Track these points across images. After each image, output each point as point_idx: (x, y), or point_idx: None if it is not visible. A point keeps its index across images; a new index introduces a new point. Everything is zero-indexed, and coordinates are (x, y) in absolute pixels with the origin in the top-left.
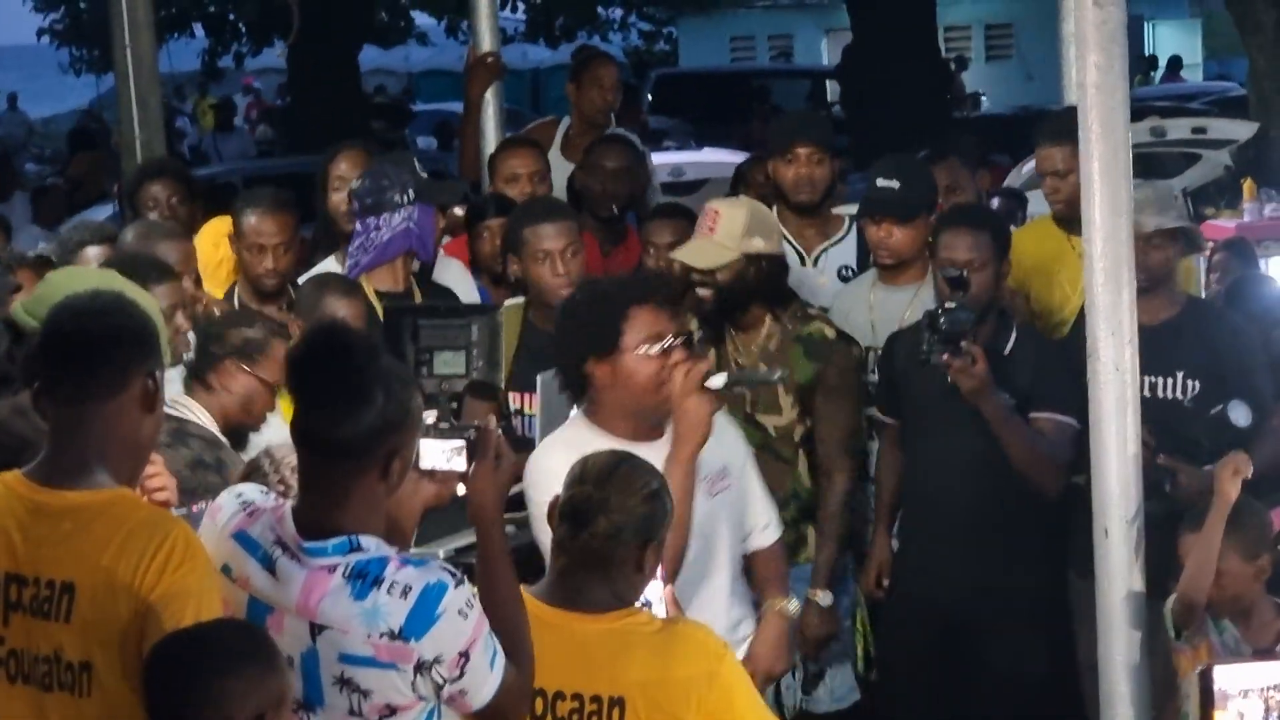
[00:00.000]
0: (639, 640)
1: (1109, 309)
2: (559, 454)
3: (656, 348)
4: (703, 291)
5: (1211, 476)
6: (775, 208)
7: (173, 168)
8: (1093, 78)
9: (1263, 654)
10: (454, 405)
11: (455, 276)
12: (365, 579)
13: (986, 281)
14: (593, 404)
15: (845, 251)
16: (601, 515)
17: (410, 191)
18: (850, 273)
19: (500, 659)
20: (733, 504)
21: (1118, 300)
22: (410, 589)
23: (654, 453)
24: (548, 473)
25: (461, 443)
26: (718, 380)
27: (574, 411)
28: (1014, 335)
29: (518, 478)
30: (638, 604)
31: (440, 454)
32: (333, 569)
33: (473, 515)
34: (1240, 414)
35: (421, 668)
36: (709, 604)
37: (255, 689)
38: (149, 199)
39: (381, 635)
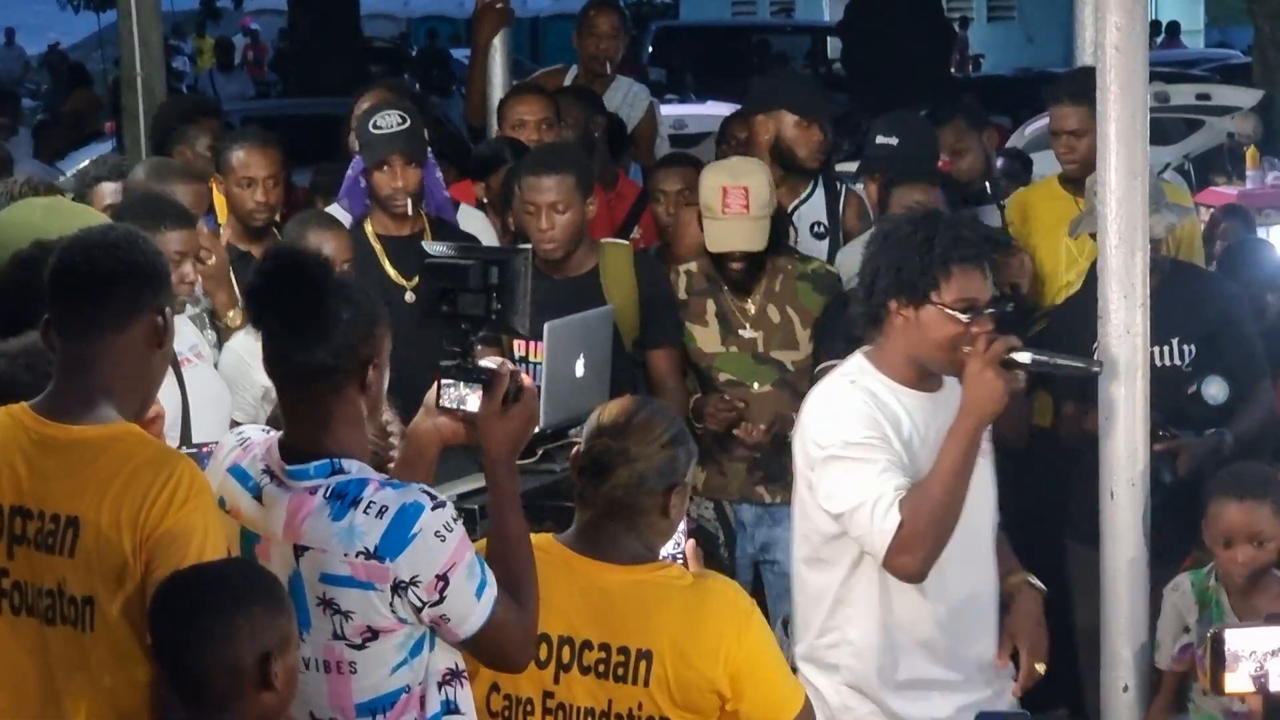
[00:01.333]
0: (669, 594)
1: (1121, 271)
2: (848, 394)
3: (967, 315)
4: (737, 265)
5: (1216, 439)
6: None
7: (208, 108)
8: (1113, 39)
9: (1274, 618)
10: (475, 346)
11: (477, 226)
12: (344, 499)
13: None
14: (880, 342)
15: (815, 208)
16: (622, 465)
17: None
18: (823, 229)
19: (491, 591)
20: (990, 471)
21: (1130, 263)
22: (387, 509)
23: (929, 403)
24: (834, 424)
25: (477, 384)
26: (1024, 355)
27: (859, 354)
28: None
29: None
30: (665, 555)
31: (457, 394)
32: (314, 490)
33: (484, 455)
34: (1215, 389)
35: (399, 588)
36: (983, 569)
37: (262, 628)
38: (192, 140)
39: (358, 554)
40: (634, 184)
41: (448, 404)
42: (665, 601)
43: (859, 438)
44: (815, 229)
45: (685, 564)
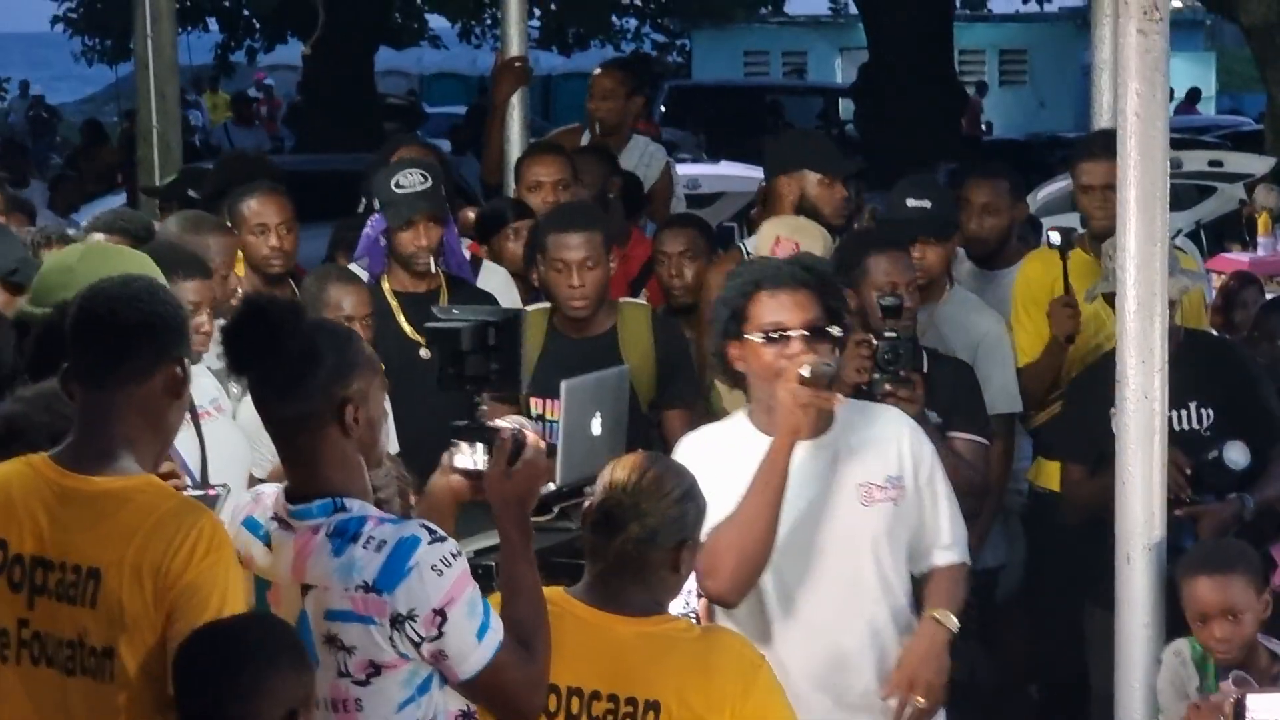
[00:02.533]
0: (678, 646)
1: (1139, 336)
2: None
3: (771, 336)
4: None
5: (1237, 506)
6: None
7: (269, 170)
8: (1134, 105)
9: None
10: (482, 406)
11: (498, 284)
12: (344, 535)
13: (917, 300)
14: (746, 390)
15: None
16: (634, 521)
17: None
18: None
19: (494, 636)
20: (899, 517)
21: (1149, 328)
22: (385, 543)
23: (800, 452)
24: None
25: (485, 443)
26: (808, 369)
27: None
28: (925, 355)
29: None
30: (677, 611)
31: (468, 453)
32: (317, 529)
33: (493, 511)
34: (1237, 454)
35: (397, 622)
36: (856, 627)
37: (289, 686)
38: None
39: (357, 588)
40: (647, 243)
41: (459, 464)
42: (673, 653)
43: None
44: None
45: (698, 620)
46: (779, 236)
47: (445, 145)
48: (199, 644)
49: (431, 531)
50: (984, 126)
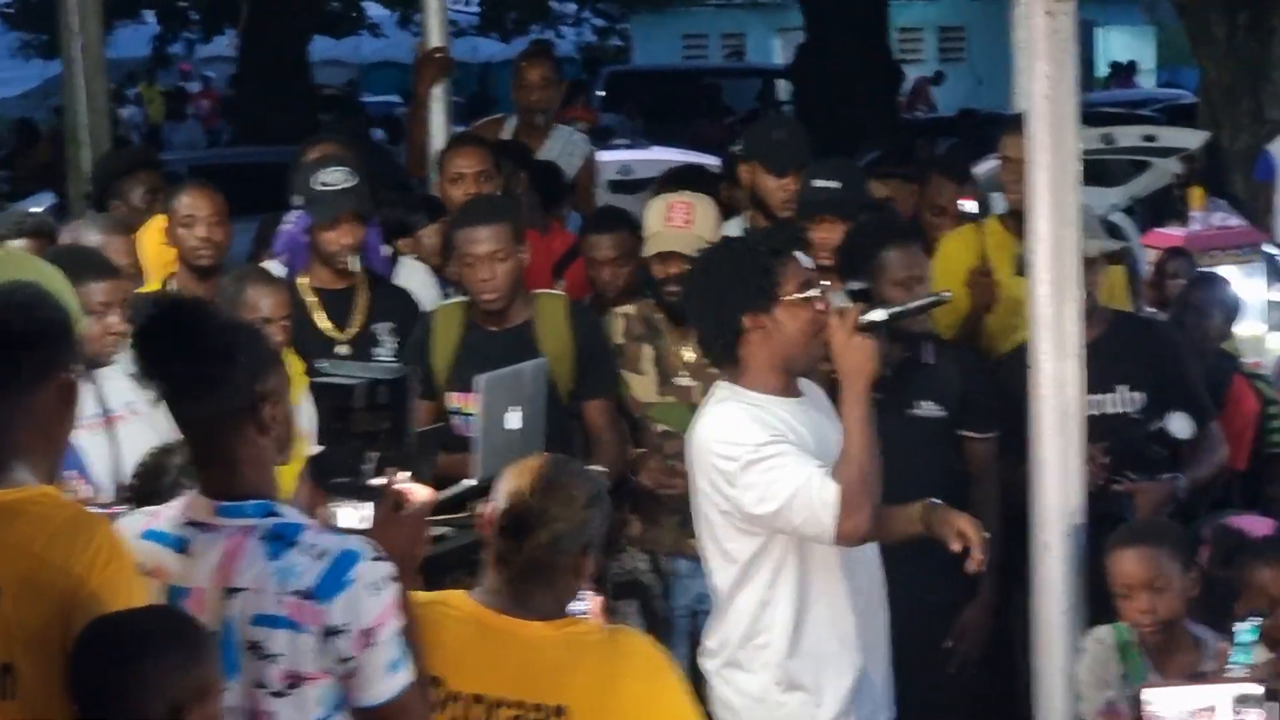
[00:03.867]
0: (584, 649)
1: (1053, 322)
2: (732, 408)
3: (810, 293)
4: (675, 288)
5: (1172, 485)
6: (750, 213)
7: (147, 161)
8: (1043, 88)
9: (1197, 677)
10: (366, 465)
11: (417, 280)
12: (281, 540)
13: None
14: (739, 365)
15: None
16: (542, 526)
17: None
18: None
19: (406, 676)
20: None
21: (1061, 314)
22: (326, 553)
23: (798, 408)
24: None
25: (367, 503)
26: (878, 313)
27: (720, 384)
28: (931, 346)
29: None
30: (575, 612)
31: (350, 513)
32: (248, 531)
33: None
34: (1179, 425)
35: (329, 634)
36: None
37: (175, 677)
38: (127, 193)
39: (293, 593)
40: (567, 235)
41: (342, 524)
42: (580, 657)
43: (765, 438)
44: None
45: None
46: (669, 203)
47: (380, 135)
48: (87, 637)
49: (373, 549)
50: (927, 106)
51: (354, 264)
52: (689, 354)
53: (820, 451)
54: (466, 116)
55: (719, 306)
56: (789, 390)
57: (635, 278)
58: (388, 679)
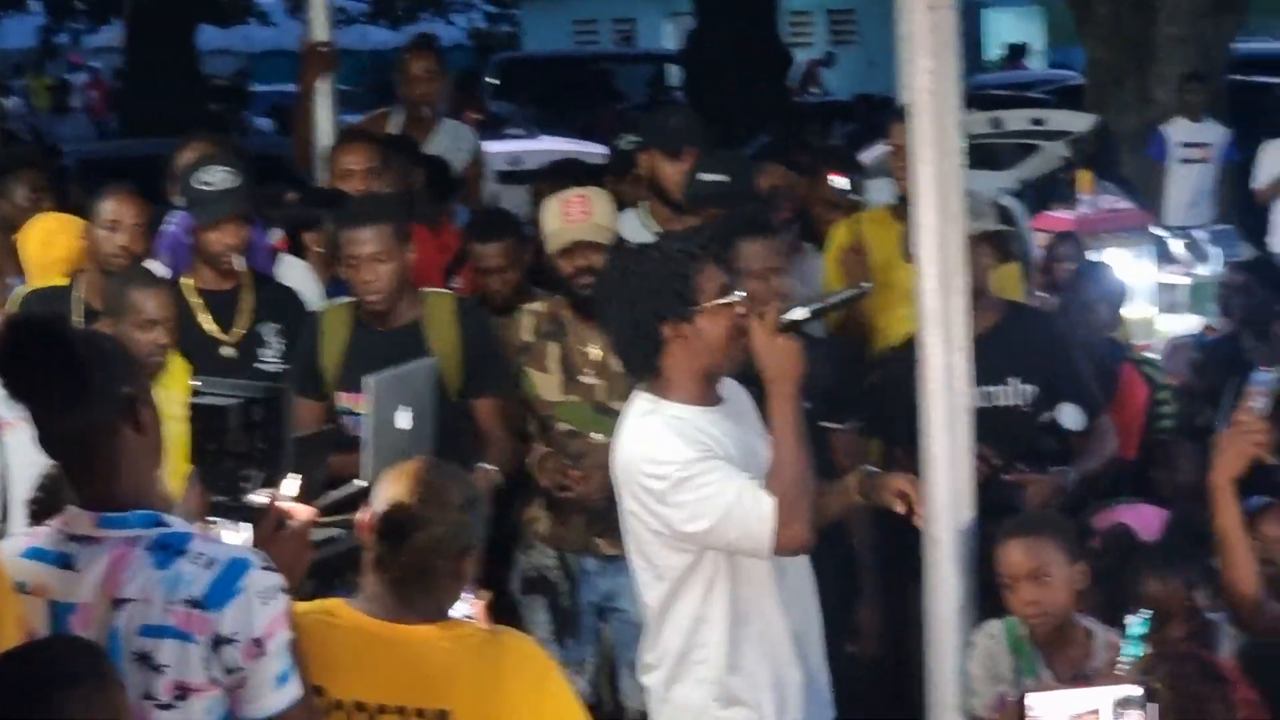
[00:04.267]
0: (466, 652)
1: (940, 315)
2: (658, 423)
3: (730, 298)
4: (586, 281)
5: (1061, 478)
6: (649, 202)
7: (33, 158)
8: (925, 82)
9: (1079, 679)
10: (243, 483)
11: (298, 277)
12: (169, 549)
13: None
14: (660, 375)
15: None
16: (419, 530)
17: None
18: None
19: (293, 690)
20: None
21: (949, 306)
22: (215, 561)
23: (720, 415)
24: (664, 454)
25: (247, 523)
26: (800, 311)
27: (641, 395)
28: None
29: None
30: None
31: (231, 534)
32: (134, 542)
33: None
34: (1069, 417)
35: (218, 643)
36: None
37: (83, 708)
38: (10, 192)
39: (182, 602)
40: (456, 232)
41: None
42: (462, 660)
43: (693, 454)
44: None
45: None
46: (563, 200)
47: (269, 124)
48: None
49: (262, 559)
50: (818, 90)
51: (238, 264)
52: (595, 351)
53: (745, 460)
54: (365, 106)
55: (637, 317)
56: (710, 398)
57: (524, 280)
58: (276, 692)
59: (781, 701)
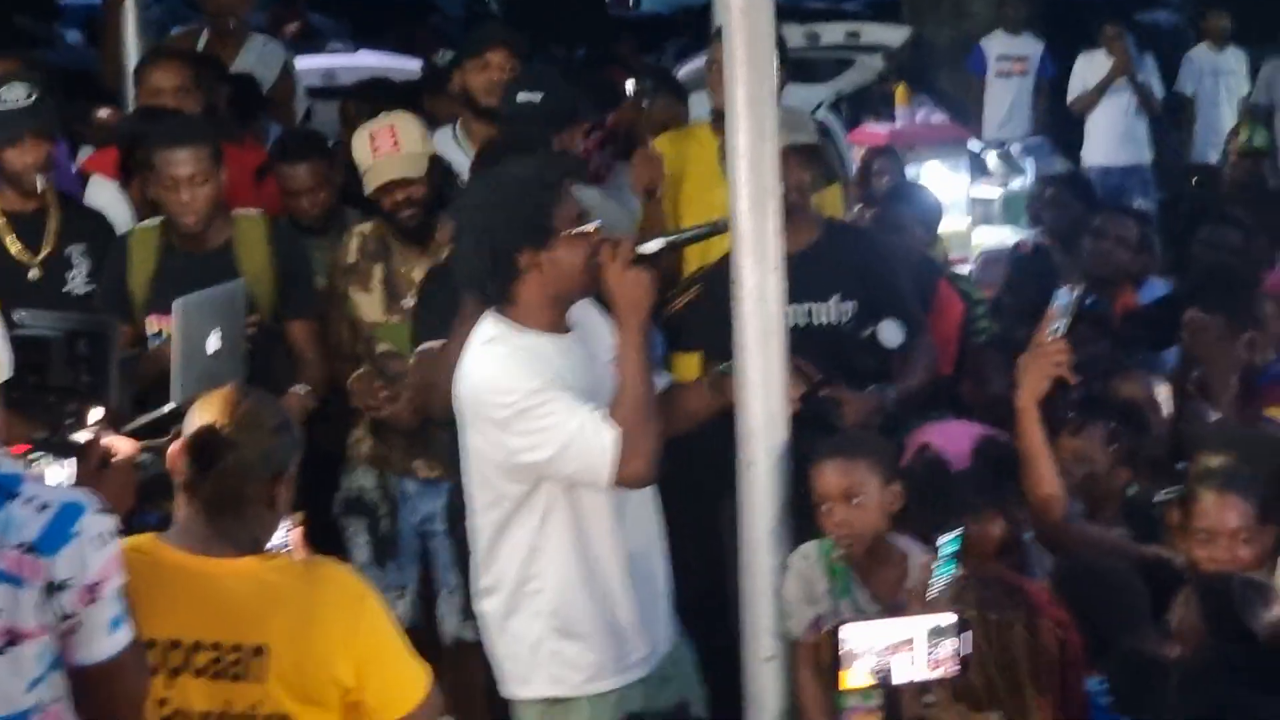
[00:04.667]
0: (280, 584)
1: (754, 236)
2: (503, 352)
3: (587, 226)
4: (408, 213)
5: (880, 396)
6: (461, 117)
7: None
8: (739, 2)
9: (892, 609)
10: (67, 419)
11: (107, 199)
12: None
13: None
14: (512, 300)
15: None
16: (230, 451)
17: None
18: None
19: (127, 632)
20: None
21: (763, 227)
22: (49, 505)
23: (569, 343)
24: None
25: (70, 458)
26: (654, 244)
27: (489, 319)
28: None
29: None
30: (272, 547)
31: (56, 470)
32: None
33: None
34: (890, 333)
35: (51, 589)
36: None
37: None
38: None
39: (15, 547)
40: (261, 150)
41: (53, 483)
42: (277, 593)
43: (537, 384)
44: None
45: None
46: (370, 133)
47: (78, 37)
48: None
49: (97, 502)
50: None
51: (42, 184)
52: (418, 274)
53: (592, 390)
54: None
55: (493, 246)
56: (559, 325)
57: (335, 200)
58: (109, 636)
59: (620, 633)
